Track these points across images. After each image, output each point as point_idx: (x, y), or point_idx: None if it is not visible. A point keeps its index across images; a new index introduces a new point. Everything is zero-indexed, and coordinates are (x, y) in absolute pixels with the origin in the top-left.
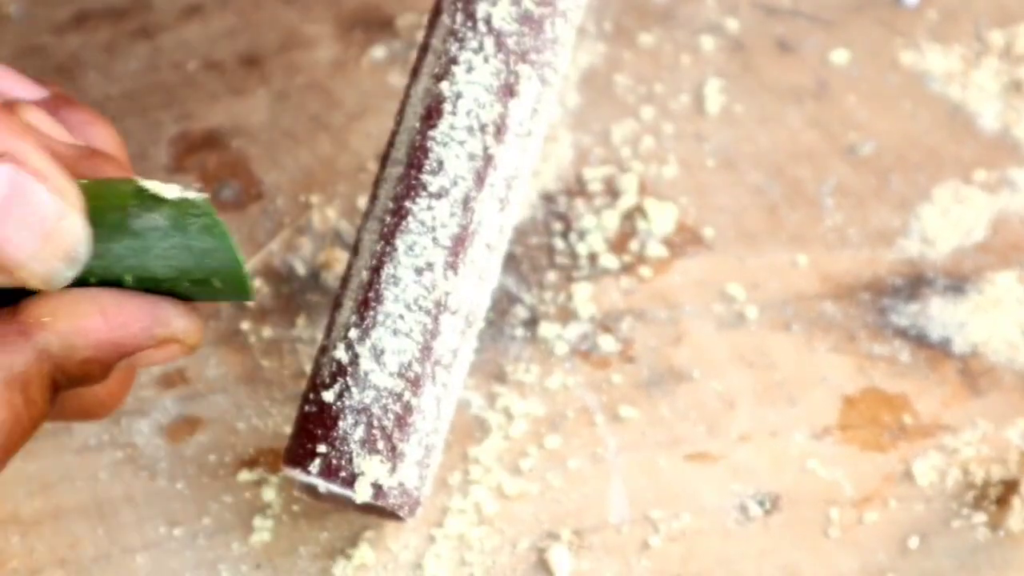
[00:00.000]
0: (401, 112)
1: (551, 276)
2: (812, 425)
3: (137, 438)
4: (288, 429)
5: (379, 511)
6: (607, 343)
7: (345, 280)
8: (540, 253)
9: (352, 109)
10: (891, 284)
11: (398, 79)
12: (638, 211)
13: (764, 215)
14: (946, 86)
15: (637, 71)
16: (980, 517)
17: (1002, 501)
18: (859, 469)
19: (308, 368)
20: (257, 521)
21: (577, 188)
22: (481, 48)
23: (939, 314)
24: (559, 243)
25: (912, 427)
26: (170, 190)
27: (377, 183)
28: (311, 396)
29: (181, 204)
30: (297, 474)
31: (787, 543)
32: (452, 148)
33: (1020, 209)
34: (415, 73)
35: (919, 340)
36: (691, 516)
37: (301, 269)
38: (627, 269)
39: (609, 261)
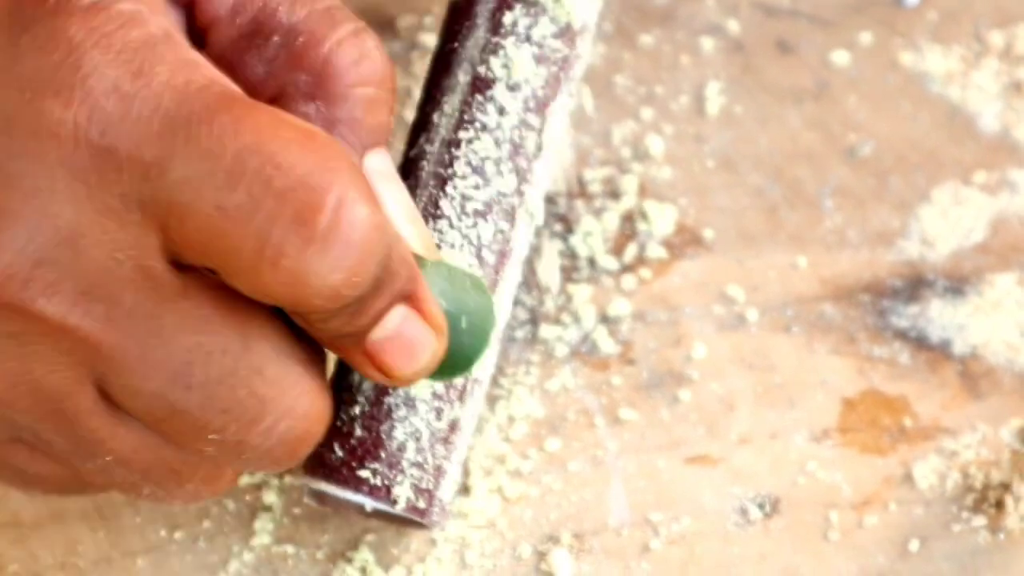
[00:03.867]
0: (425, 121)
1: None
2: (812, 427)
3: None
4: None
5: (389, 517)
6: (607, 345)
7: None
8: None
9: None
10: (891, 286)
11: (399, 80)
12: (638, 212)
13: (764, 216)
14: (946, 87)
15: (637, 72)
16: (980, 520)
17: (1000, 503)
18: (859, 472)
19: None
20: (258, 524)
21: (577, 189)
22: (522, 61)
23: (939, 316)
24: (559, 244)
25: (912, 430)
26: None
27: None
28: (352, 411)
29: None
30: (334, 490)
31: (787, 546)
32: (496, 165)
33: (1020, 210)
34: (440, 78)
35: (919, 342)
36: (691, 519)
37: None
38: (627, 270)
39: (609, 262)
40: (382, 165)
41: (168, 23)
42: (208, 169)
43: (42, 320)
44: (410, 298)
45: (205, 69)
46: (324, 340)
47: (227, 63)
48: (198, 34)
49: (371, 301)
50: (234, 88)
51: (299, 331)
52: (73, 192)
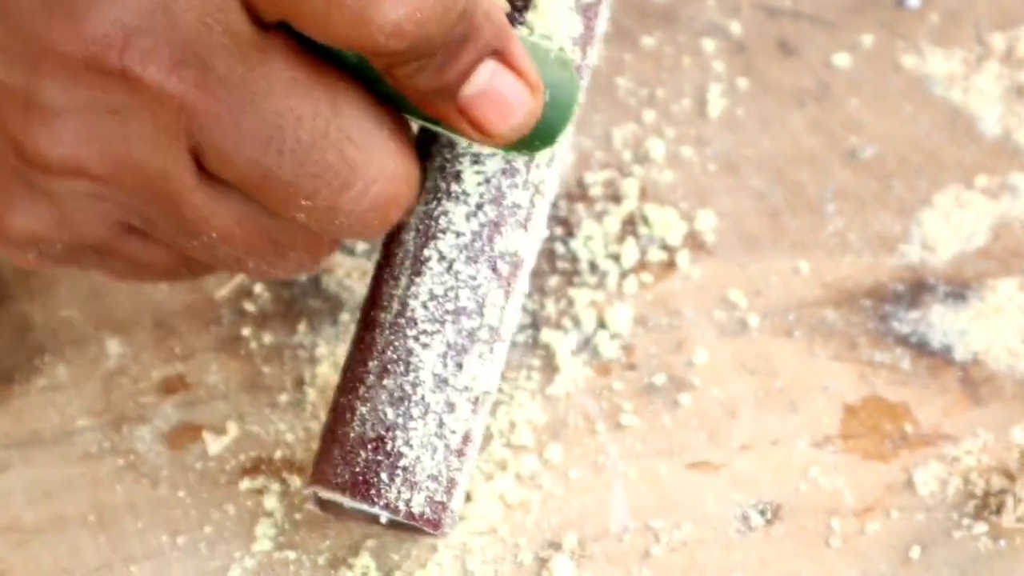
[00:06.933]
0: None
1: (552, 281)
2: (813, 433)
3: (138, 445)
4: (290, 436)
5: (395, 524)
6: (608, 350)
7: (374, 300)
8: (541, 258)
9: None
10: (892, 291)
11: None
12: (639, 216)
13: (766, 220)
14: (948, 90)
15: (638, 74)
16: (981, 527)
17: (1001, 506)
18: (860, 478)
19: (308, 375)
20: (259, 529)
21: (578, 192)
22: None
23: (940, 321)
24: (560, 248)
25: (913, 436)
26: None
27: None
28: (364, 422)
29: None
30: (349, 502)
31: (788, 553)
32: (510, 177)
33: (1021, 215)
34: None
35: (920, 348)
36: (692, 525)
37: (303, 277)
38: (628, 275)
39: (610, 266)
40: None
41: None
42: None
43: (142, 88)
44: (501, 53)
45: None
46: (417, 99)
47: None
48: None
49: (456, 54)
50: None
51: (386, 98)
52: None
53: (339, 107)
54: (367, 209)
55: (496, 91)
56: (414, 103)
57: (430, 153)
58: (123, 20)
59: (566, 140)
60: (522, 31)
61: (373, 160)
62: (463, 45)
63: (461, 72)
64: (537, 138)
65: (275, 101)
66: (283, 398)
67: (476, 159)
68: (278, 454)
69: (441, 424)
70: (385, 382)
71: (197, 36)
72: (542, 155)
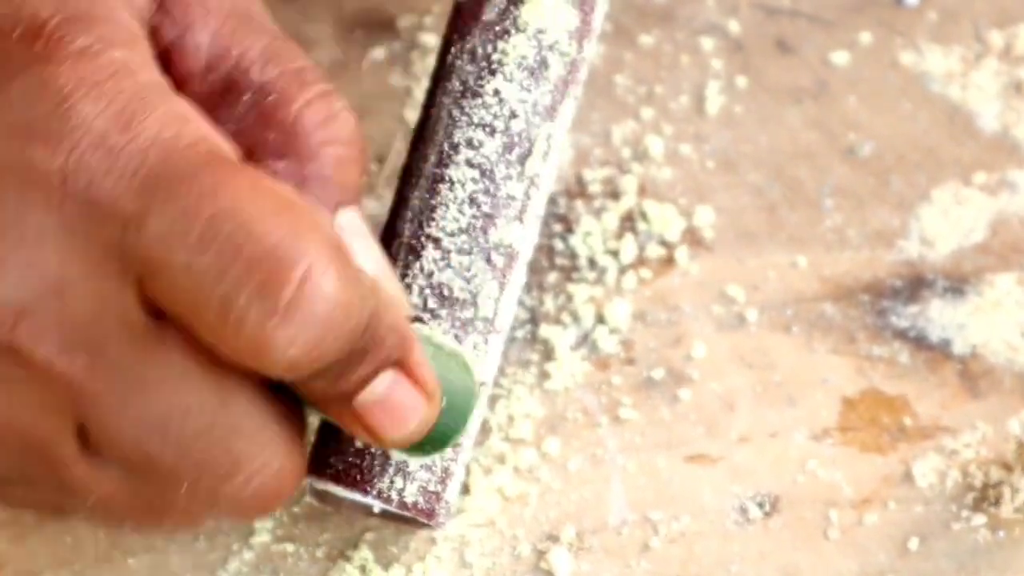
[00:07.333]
0: (430, 123)
1: (551, 277)
2: (812, 426)
3: None
4: None
5: (392, 516)
6: (607, 344)
7: None
8: (540, 254)
9: (353, 110)
10: (891, 285)
11: (399, 80)
12: (638, 212)
13: (764, 216)
14: (946, 87)
15: (637, 72)
16: (980, 519)
17: (999, 498)
18: (859, 471)
19: None
20: (257, 522)
21: (577, 189)
22: (533, 65)
23: (939, 316)
24: (559, 244)
25: (912, 429)
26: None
27: (406, 188)
28: None
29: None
30: (342, 491)
31: (786, 545)
32: (506, 168)
33: (1020, 210)
34: (444, 79)
35: (919, 342)
36: (691, 518)
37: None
38: (627, 270)
39: (609, 262)
40: (353, 223)
41: (158, 73)
42: (182, 228)
43: (31, 364)
44: (401, 363)
45: (196, 124)
46: (310, 400)
47: None
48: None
49: (354, 367)
50: (222, 147)
51: (278, 387)
52: (59, 242)
53: (228, 400)
54: (248, 498)
55: (391, 400)
56: (308, 403)
57: (423, 145)
58: (15, 298)
59: (467, 439)
60: (424, 331)
61: (259, 454)
62: (363, 357)
63: (358, 383)
64: (429, 443)
65: (164, 392)
66: None
67: (473, 149)
68: None
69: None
70: None
71: (90, 321)
72: (529, 169)
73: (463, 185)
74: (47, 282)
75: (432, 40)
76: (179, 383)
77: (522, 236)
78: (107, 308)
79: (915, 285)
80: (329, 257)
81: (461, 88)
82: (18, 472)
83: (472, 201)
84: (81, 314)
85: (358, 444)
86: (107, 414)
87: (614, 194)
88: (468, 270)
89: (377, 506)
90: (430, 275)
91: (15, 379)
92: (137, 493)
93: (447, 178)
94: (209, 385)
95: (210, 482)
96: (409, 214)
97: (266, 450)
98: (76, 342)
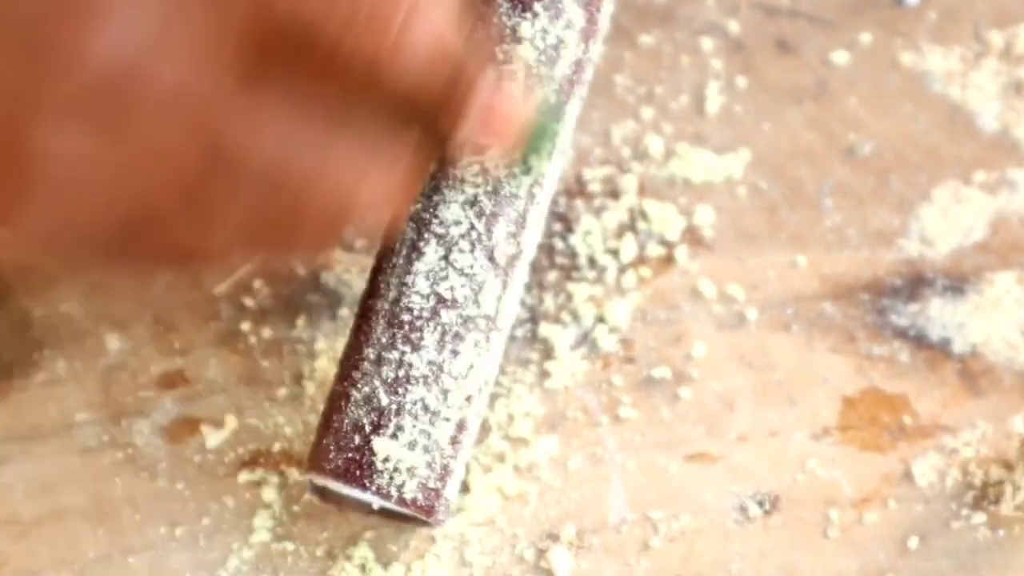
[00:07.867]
0: None
1: (551, 276)
2: (812, 425)
3: (137, 439)
4: (288, 430)
5: (392, 514)
6: (607, 343)
7: (372, 290)
8: (540, 253)
9: None
10: (890, 284)
11: None
12: (638, 212)
13: (764, 216)
14: (946, 87)
15: (637, 72)
16: (979, 518)
17: (1000, 496)
18: (858, 469)
19: (307, 369)
20: (257, 521)
21: (577, 188)
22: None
23: (938, 315)
24: (559, 243)
25: (911, 427)
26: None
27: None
28: (358, 409)
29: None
30: (342, 488)
31: (786, 543)
32: (510, 167)
33: (1019, 210)
34: None
35: (918, 340)
36: (691, 516)
37: (301, 270)
38: (626, 269)
39: (609, 261)
40: None
41: None
42: None
43: (158, 86)
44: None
45: None
46: (423, 107)
47: None
48: None
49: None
50: None
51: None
52: None
53: (344, 124)
54: (366, 205)
55: (502, 89)
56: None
57: None
58: (135, 26)
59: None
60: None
61: (374, 166)
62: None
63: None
64: (537, 137)
65: (284, 110)
66: (282, 392)
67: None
68: (276, 447)
69: (435, 412)
70: (380, 369)
71: (210, 48)
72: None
73: (465, 183)
74: (165, 8)
75: None
76: (293, 110)
77: (525, 234)
78: (223, 39)
79: (915, 284)
80: None
81: None
82: (155, 202)
83: (475, 199)
84: (202, 40)
85: (358, 441)
86: (240, 132)
87: (614, 193)
88: (470, 268)
89: (377, 502)
90: (431, 273)
91: (146, 104)
92: (268, 209)
93: (451, 176)
94: (319, 114)
95: (337, 186)
96: (412, 211)
97: (380, 165)
98: (199, 63)
